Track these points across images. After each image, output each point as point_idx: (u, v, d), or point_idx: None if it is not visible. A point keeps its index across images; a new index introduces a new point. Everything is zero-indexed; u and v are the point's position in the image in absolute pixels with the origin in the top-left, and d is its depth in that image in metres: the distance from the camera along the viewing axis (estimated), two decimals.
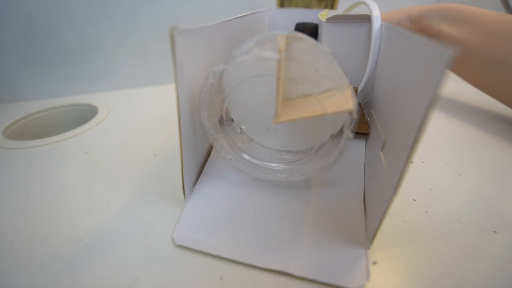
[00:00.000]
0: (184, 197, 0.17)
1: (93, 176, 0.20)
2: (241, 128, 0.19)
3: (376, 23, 0.20)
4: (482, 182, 0.19)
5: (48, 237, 0.15)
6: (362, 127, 0.21)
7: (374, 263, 0.14)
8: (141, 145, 0.24)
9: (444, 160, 0.22)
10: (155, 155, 0.23)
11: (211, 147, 0.21)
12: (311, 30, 0.28)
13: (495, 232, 0.15)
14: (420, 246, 0.14)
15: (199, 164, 0.19)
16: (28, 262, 0.14)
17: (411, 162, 0.21)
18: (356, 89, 0.22)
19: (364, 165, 0.19)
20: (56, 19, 0.33)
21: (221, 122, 0.18)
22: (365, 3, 0.22)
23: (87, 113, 0.33)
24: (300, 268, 0.13)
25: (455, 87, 0.38)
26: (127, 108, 0.33)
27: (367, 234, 0.15)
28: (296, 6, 0.39)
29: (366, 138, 0.21)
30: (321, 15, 0.26)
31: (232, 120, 0.19)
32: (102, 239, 0.15)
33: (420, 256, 0.14)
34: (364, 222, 0.15)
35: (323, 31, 0.23)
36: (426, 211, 0.17)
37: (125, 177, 0.20)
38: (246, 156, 0.18)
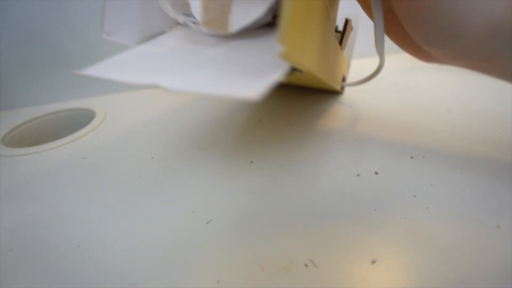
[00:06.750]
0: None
1: (91, 180, 0.20)
2: None
3: None
4: (485, 176, 0.19)
5: (46, 244, 0.15)
6: None
7: (373, 261, 0.13)
8: (138, 148, 0.24)
9: (445, 155, 0.21)
10: (152, 157, 0.22)
11: None
12: None
13: (498, 227, 0.15)
14: (421, 243, 0.14)
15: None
16: (27, 270, 0.14)
17: (411, 157, 0.21)
18: None
19: None
20: (53, 24, 0.33)
21: None
22: None
23: (85, 118, 0.33)
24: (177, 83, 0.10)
25: (457, 80, 0.37)
26: (124, 111, 0.33)
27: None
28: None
29: None
30: None
31: None
32: (99, 244, 0.15)
33: (421, 254, 0.14)
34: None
35: None
36: (427, 207, 0.16)
37: (122, 181, 0.20)
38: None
